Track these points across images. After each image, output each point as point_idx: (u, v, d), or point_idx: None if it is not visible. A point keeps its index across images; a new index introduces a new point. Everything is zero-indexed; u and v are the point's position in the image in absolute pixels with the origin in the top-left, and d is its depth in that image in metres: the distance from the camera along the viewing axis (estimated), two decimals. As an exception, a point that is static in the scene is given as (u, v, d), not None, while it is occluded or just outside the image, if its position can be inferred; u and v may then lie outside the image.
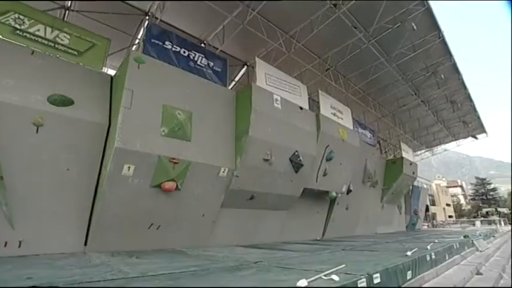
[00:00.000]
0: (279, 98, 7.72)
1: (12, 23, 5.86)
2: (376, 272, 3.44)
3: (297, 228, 9.37)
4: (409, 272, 4.13)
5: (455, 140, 21.41)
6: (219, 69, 7.71)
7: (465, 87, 14.54)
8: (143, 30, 8.41)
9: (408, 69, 12.68)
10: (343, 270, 3.49)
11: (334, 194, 9.94)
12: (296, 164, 7.93)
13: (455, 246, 6.80)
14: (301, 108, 8.36)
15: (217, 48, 9.63)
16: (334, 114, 10.07)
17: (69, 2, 7.89)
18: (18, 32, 5.90)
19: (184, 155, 6.01)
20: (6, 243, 4.86)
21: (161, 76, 6.15)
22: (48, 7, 7.33)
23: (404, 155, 15.11)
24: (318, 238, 10.37)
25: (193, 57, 7.27)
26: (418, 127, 18.86)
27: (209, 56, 7.69)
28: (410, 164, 15.26)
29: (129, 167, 5.35)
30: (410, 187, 17.37)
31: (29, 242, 5.04)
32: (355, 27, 9.63)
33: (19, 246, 4.95)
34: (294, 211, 8.91)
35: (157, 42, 6.81)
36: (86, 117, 5.62)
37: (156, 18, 8.38)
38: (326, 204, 10.58)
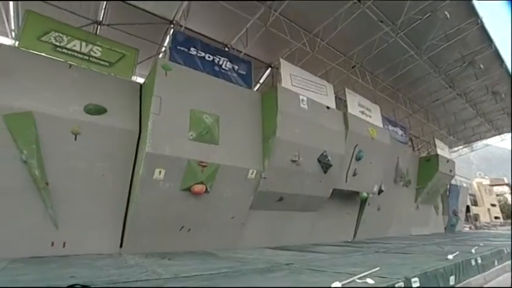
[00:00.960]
0: (305, 99, 7.63)
1: (53, 41, 6.34)
2: (414, 276, 3.27)
3: (327, 230, 9.17)
4: (452, 277, 3.89)
5: (499, 134, 19.61)
6: (244, 72, 7.77)
7: (509, 75, 13.19)
8: (169, 38, 8.68)
9: (441, 61, 11.92)
10: (377, 274, 3.37)
11: (365, 194, 9.63)
12: (324, 164, 7.78)
13: (505, 251, 6.24)
14: (328, 107, 8.21)
15: (241, 52, 9.71)
16: (363, 113, 9.77)
17: (101, 16, 8.37)
18: (58, 48, 6.36)
19: (212, 158, 6.11)
20: (52, 243, 5.22)
21: (188, 82, 6.31)
22: (82, 23, 7.83)
23: (439, 152, 14.26)
24: (349, 240, 10.08)
25: (218, 62, 7.39)
26: (454, 122, 17.66)
27: (233, 59, 7.78)
28: (447, 162, 14.38)
29: (160, 171, 5.53)
30: (448, 186, 16.33)
31: (71, 243, 5.37)
32: (381, 21, 9.29)
33: (63, 246, 5.30)
34: (323, 212, 8.74)
35: (182, 49, 7.00)
36: (118, 125, 5.91)
37: (181, 26, 8.63)
38: (357, 205, 10.27)
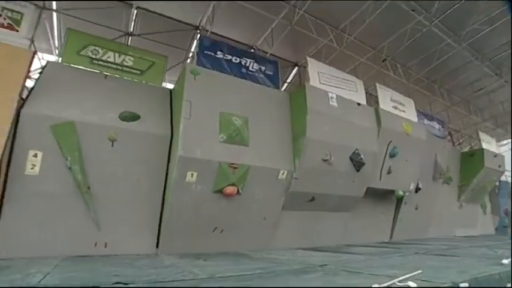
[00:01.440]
0: (334, 96, 7.46)
1: (90, 54, 6.79)
2: (464, 281, 3.03)
3: (361, 230, 8.87)
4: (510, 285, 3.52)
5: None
6: (271, 73, 7.77)
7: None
8: (196, 44, 8.91)
9: (484, 47, 10.89)
10: (419, 277, 3.19)
11: (400, 192, 9.18)
12: (357, 162, 7.54)
13: None
14: (358, 104, 7.95)
15: (267, 52, 9.71)
16: (395, 107, 9.33)
17: (132, 28, 8.79)
18: (94, 61, 6.80)
19: (243, 159, 6.16)
20: (95, 243, 5.53)
21: (216, 85, 6.42)
22: (115, 35, 8.28)
23: (484, 145, 13.11)
24: (385, 240, 9.67)
25: (245, 64, 7.47)
26: (502, 112, 16.11)
27: (260, 60, 7.81)
28: (495, 156, 13.15)
29: (192, 174, 5.67)
30: (497, 183, 14.96)
31: (111, 244, 5.64)
32: (413, 10, 8.82)
33: (105, 246, 5.58)
34: (357, 212, 8.47)
35: (209, 53, 7.16)
36: (151, 130, 6.13)
37: (207, 31, 8.81)
38: (392, 204, 9.82)
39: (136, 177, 5.93)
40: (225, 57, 7.26)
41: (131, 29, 8.78)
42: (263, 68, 7.70)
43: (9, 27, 6.36)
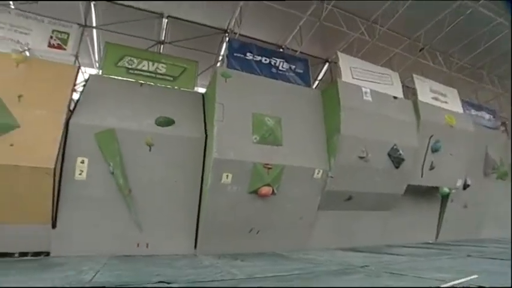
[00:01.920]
0: (368, 91, 7.20)
1: (126, 65, 7.16)
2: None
3: (403, 230, 8.40)
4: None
5: None
6: (301, 71, 7.67)
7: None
8: (225, 47, 9.05)
9: (543, 22, 9.74)
10: (476, 282, 2.93)
11: (446, 189, 8.55)
12: (395, 158, 7.18)
13: None
14: (395, 97, 7.59)
15: (296, 51, 9.57)
16: (436, 99, 8.74)
17: (163, 37, 9.14)
18: (130, 70, 7.16)
19: (277, 159, 6.15)
20: (138, 244, 5.81)
21: (247, 86, 6.49)
22: (148, 45, 8.65)
23: (545, 135, 11.78)
24: (431, 241, 9.06)
25: (275, 63, 7.45)
26: None
27: (289, 59, 7.75)
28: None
29: (227, 176, 5.76)
30: None
31: (152, 244, 5.89)
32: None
33: (146, 247, 5.84)
34: (397, 211, 8.04)
35: (239, 55, 7.24)
36: (185, 134, 6.33)
37: (235, 34, 8.91)
38: (437, 202, 9.18)
39: (173, 180, 6.15)
40: (254, 59, 7.30)
41: (163, 38, 9.13)
42: (293, 67, 7.63)
43: (59, 46, 6.96)
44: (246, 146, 5.98)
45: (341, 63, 7.62)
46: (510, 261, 4.64)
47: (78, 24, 7.46)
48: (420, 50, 10.31)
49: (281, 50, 9.63)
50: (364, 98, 7.11)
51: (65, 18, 7.19)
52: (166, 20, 8.77)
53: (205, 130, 6.49)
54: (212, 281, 3.62)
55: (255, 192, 6.05)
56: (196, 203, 6.21)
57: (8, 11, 7.01)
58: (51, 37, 6.91)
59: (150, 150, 6.05)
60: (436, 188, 8.52)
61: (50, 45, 6.90)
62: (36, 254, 5.37)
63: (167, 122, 6.29)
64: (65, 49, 7.01)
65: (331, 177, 6.67)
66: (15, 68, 5.69)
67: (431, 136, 8.00)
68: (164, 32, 8.99)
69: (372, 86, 7.46)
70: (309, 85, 7.77)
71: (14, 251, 5.26)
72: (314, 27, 9.09)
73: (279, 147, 6.28)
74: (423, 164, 7.98)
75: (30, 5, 7.28)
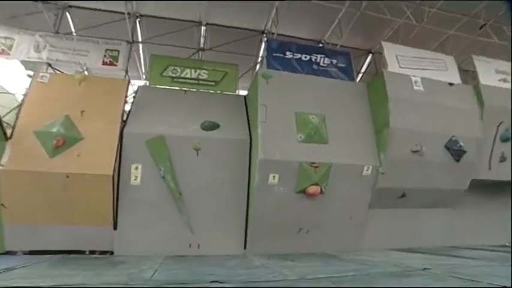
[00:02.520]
0: (418, 79, 6.70)
1: (171, 74, 7.53)
2: None
3: (470, 230, 7.55)
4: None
5: None
6: (344, 65, 7.40)
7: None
8: (263, 48, 9.07)
9: None
10: None
11: (520, 184, 7.56)
12: (455, 151, 6.54)
13: None
14: (450, 84, 6.93)
15: (337, 44, 9.25)
16: (504, 80, 7.74)
17: (202, 44, 9.45)
18: (175, 79, 7.51)
19: (323, 157, 6.01)
20: (190, 244, 6.05)
21: (289, 85, 6.43)
22: (190, 53, 9.01)
23: None
24: (507, 243, 8.01)
25: (315, 60, 7.28)
26: None
27: (330, 54, 7.52)
28: None
29: (274, 176, 5.75)
30: None
31: (204, 245, 6.09)
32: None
33: (198, 247, 6.06)
34: (462, 208, 7.31)
35: (278, 54, 7.19)
36: (230, 137, 6.45)
37: (273, 34, 8.88)
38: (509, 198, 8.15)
39: (221, 182, 6.29)
40: (294, 57, 7.20)
41: (202, 45, 9.45)
42: (335, 61, 7.39)
43: (111, 63, 7.64)
44: (291, 145, 5.94)
45: (386, 52, 7.20)
46: None
47: (126, 41, 8.05)
48: (481, 27, 9.17)
49: (321, 45, 9.38)
50: (415, 87, 6.63)
51: (115, 38, 7.87)
52: (204, 28, 9.07)
53: (250, 132, 6.57)
54: (265, 281, 3.60)
55: (303, 191, 5.96)
56: (244, 204, 6.29)
57: (71, 38, 7.88)
58: (105, 56, 7.61)
59: (197, 154, 6.28)
60: (509, 183, 7.56)
61: (104, 63, 7.60)
62: (102, 252, 5.91)
63: (212, 126, 6.48)
64: (116, 65, 7.67)
65: (382, 173, 6.32)
66: (78, 87, 6.35)
67: (501, 123, 7.13)
68: (203, 39, 9.29)
69: (423, 74, 6.92)
70: (352, 79, 7.48)
71: (84, 249, 5.88)
72: (354, 18, 8.69)
73: (325, 145, 6.13)
74: (491, 156, 7.15)
75: (88, 30, 8.09)
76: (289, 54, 7.21)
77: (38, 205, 5.55)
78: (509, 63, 8.11)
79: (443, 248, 6.78)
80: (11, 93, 8.00)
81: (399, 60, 7.11)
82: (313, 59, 7.31)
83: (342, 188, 6.18)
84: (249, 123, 6.73)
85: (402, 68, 6.98)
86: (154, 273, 3.96)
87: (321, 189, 5.99)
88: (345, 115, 6.54)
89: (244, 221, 6.29)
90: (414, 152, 6.28)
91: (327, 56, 7.41)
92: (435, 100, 6.60)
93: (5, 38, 7.32)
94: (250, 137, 6.45)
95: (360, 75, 10.87)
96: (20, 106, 6.29)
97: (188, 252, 5.93)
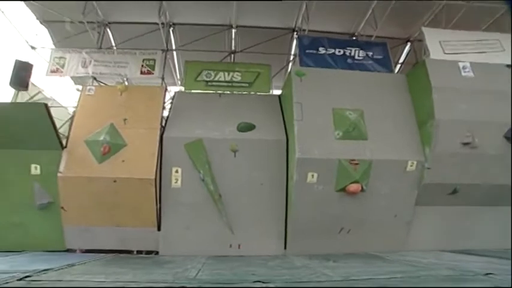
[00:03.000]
0: (467, 65, 6.15)
1: (205, 78, 7.74)
2: None
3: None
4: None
5: None
6: (380, 56, 7.08)
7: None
8: (295, 45, 8.95)
9: None
10: None
11: None
12: (517, 141, 5.90)
13: None
14: (508, 66, 6.27)
15: (372, 36, 8.85)
16: None
17: (234, 46, 9.55)
18: (209, 83, 7.71)
19: (363, 154, 5.79)
20: (230, 245, 6.14)
21: (324, 82, 6.29)
22: (222, 56, 9.16)
23: None
24: None
25: (350, 54, 7.05)
26: None
27: (365, 46, 7.24)
28: None
29: (312, 175, 5.65)
30: None
31: (244, 245, 6.14)
32: None
33: (239, 247, 6.13)
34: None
35: (311, 51, 7.07)
36: (267, 137, 6.45)
37: (304, 30, 8.72)
38: None
39: (260, 182, 6.31)
40: (327, 52, 7.04)
41: (234, 48, 9.56)
42: (370, 54, 7.09)
43: (148, 72, 8.07)
44: (328, 143, 5.80)
45: (427, 39, 6.74)
46: None
47: (161, 50, 8.41)
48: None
49: (354, 38, 9.03)
50: (463, 73, 6.10)
51: (151, 47, 8.27)
52: (235, 30, 9.17)
53: (286, 131, 6.53)
54: (308, 281, 3.53)
55: (343, 189, 5.78)
56: (283, 204, 6.25)
57: (112, 51, 8.45)
58: (142, 65, 8.05)
59: (235, 156, 6.37)
60: None
61: (142, 72, 8.04)
62: (148, 252, 6.22)
63: (248, 127, 6.54)
64: (153, 73, 8.07)
65: (428, 168, 5.91)
66: (119, 97, 6.77)
67: None
68: (234, 41, 9.40)
69: (472, 58, 6.36)
70: (390, 70, 7.13)
71: (132, 249, 6.23)
72: (389, 6, 8.23)
73: (364, 141, 5.90)
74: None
75: (126, 43, 8.60)
76: (322, 50, 7.06)
77: (90, 208, 6.01)
78: None
79: (503, 250, 6.13)
80: (64, 107, 8.73)
81: (443, 45, 6.62)
82: (347, 53, 7.09)
83: (384, 185, 5.91)
84: (284, 123, 6.69)
85: (447, 53, 6.48)
86: (198, 272, 4.07)
87: (362, 186, 5.77)
88: (384, 109, 6.25)
89: (283, 221, 6.25)
90: (465, 144, 5.78)
91: (361, 49, 7.14)
92: (488, 86, 6.02)
93: (59, 57, 8.11)
94: (287, 136, 6.41)
95: (399, 66, 10.27)
96: (72, 118, 6.88)
97: (229, 252, 6.02)
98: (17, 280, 3.26)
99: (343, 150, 5.79)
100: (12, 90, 7.51)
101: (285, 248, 6.20)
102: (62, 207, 6.04)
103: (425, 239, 6.32)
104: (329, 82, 6.32)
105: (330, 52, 7.05)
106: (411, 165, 5.89)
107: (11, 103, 7.15)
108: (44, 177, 5.44)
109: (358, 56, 7.10)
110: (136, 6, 8.20)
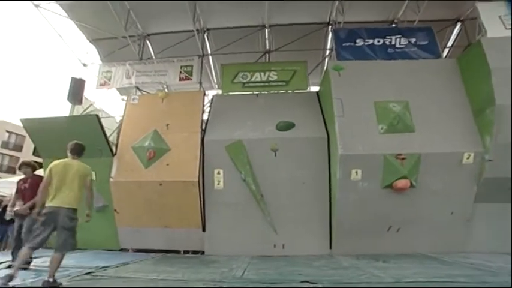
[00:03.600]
0: (532, 39, 5.43)
1: (241, 80, 7.83)
2: None
3: None
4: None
5: None
6: (425, 42, 6.60)
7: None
8: (331, 40, 8.66)
9: None
10: None
11: None
12: None
13: None
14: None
15: (414, 21, 8.21)
16: None
17: (268, 46, 9.50)
18: (245, 84, 7.78)
19: (411, 148, 5.43)
20: (274, 245, 6.12)
21: (364, 75, 6.03)
22: (257, 57, 9.17)
23: None
24: None
25: (390, 42, 6.67)
26: None
27: (407, 33, 6.79)
28: None
29: (356, 172, 5.42)
30: None
31: (288, 245, 6.08)
32: None
33: (283, 247, 6.08)
34: None
35: (348, 44, 6.83)
36: (306, 135, 6.35)
37: (339, 23, 8.41)
38: None
39: (301, 181, 6.22)
40: (365, 43, 6.73)
41: (268, 47, 9.52)
42: (413, 40, 6.64)
43: (186, 78, 8.37)
44: (372, 137, 5.52)
45: (482, 15, 6.15)
46: None
47: (198, 55, 8.67)
48: None
49: (394, 25, 8.49)
50: (527, 50, 5.38)
51: (187, 54, 8.56)
52: (268, 30, 9.14)
53: (326, 128, 6.37)
54: (358, 282, 3.38)
55: (390, 186, 5.46)
56: (327, 203, 6.09)
57: (152, 61, 8.91)
58: (180, 72, 8.37)
59: (275, 155, 6.34)
60: None
61: (180, 79, 8.36)
62: (194, 252, 6.44)
63: (287, 126, 6.48)
64: (191, 79, 8.35)
65: (489, 160, 5.34)
66: (161, 103, 7.10)
67: None
68: (268, 41, 9.37)
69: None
70: (438, 56, 6.59)
71: (179, 249, 6.48)
72: (433, -15, 7.56)
73: (411, 133, 5.53)
74: None
75: (164, 52, 9.01)
76: (359, 42, 6.77)
77: (140, 210, 6.38)
78: None
79: None
80: (112, 117, 9.40)
81: (504, 20, 5.95)
82: (387, 42, 6.72)
83: (436, 180, 5.48)
84: (324, 119, 6.54)
85: (509, 29, 5.80)
86: (244, 272, 4.11)
87: (411, 182, 5.41)
88: (432, 98, 5.80)
89: (328, 219, 6.09)
90: (532, 131, 5.10)
91: (403, 36, 6.72)
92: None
93: (106, 71, 8.78)
94: (327, 133, 6.25)
95: (447, 50, 9.43)
96: (119, 126, 7.36)
97: (273, 252, 5.99)
98: (84, 274, 3.88)
99: (388, 144, 5.47)
100: (69, 105, 8.34)
101: (330, 247, 6.03)
102: (115, 210, 6.49)
103: (489, 240, 5.62)
104: (369, 74, 6.04)
105: (369, 43, 6.72)
106: (467, 158, 5.38)
107: (69, 116, 7.86)
108: (99, 182, 5.89)
109: (400, 44, 6.67)
110: (172, 16, 8.55)
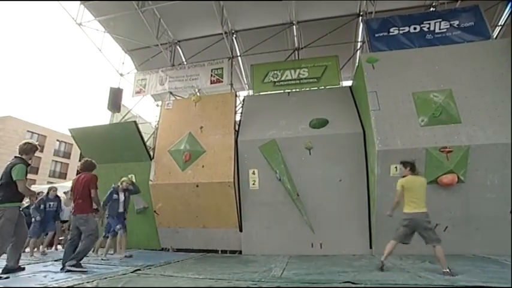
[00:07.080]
0: None
1: (272, 79, 7.80)
2: None
3: None
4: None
5: None
6: (471, 23, 6.08)
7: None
8: (362, 31, 8.30)
9: None
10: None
11: None
12: None
13: None
14: None
15: (456, 1, 7.59)
16: None
17: (297, 43, 9.34)
18: (276, 83, 7.74)
19: (457, 140, 5.05)
20: (312, 244, 6.01)
21: (400, 65, 5.73)
22: (286, 55, 9.07)
23: None
24: None
25: (429, 28, 6.23)
26: None
27: (448, 16, 6.29)
28: None
29: (395, 167, 5.13)
30: None
31: (326, 244, 5.95)
32: None
33: (320, 247, 5.97)
34: None
35: (381, 34, 6.52)
36: (341, 131, 6.17)
37: (370, 13, 8.03)
38: None
39: (338, 179, 6.06)
40: (400, 32, 6.37)
41: (297, 44, 9.38)
42: (456, 23, 6.14)
43: (217, 81, 8.50)
44: (412, 131, 5.22)
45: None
46: None
47: (227, 58, 8.77)
48: None
49: (433, 9, 7.91)
50: None
51: (218, 57, 8.69)
52: (296, 27, 9.00)
53: (361, 123, 6.15)
54: (404, 284, 3.18)
55: (435, 182, 5.11)
56: (366, 201, 5.88)
57: (184, 67, 9.18)
58: (211, 75, 8.52)
59: (310, 153, 6.24)
60: None
61: (212, 82, 8.51)
62: (232, 252, 6.51)
63: (321, 123, 6.36)
64: (222, 81, 8.47)
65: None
66: (194, 107, 7.29)
67: None
68: (297, 38, 9.23)
69: None
70: (488, 37, 6.03)
71: (217, 248, 6.61)
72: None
73: (456, 124, 5.12)
74: None
75: (195, 56, 9.24)
76: (393, 31, 6.42)
77: (178, 212, 6.61)
78: None
79: None
80: (148, 122, 9.83)
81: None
82: (425, 28, 6.29)
83: (490, 174, 5.03)
84: (359, 114, 6.32)
85: None
86: (283, 271, 4.06)
87: (458, 177, 5.03)
88: (480, 85, 5.33)
89: (367, 218, 5.87)
90: None
91: (443, 20, 6.23)
92: None
93: (141, 79, 9.20)
94: (363, 129, 6.02)
95: (497, 29, 8.54)
96: (155, 131, 7.67)
97: (310, 251, 5.90)
98: (131, 272, 4.10)
99: (430, 137, 5.14)
100: (109, 113, 8.87)
101: (370, 247, 5.79)
102: (155, 211, 6.77)
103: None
104: (406, 64, 5.72)
105: (404, 31, 6.35)
106: (525, 148, 4.83)
107: (110, 124, 8.36)
108: (139, 185, 6.20)
109: (440, 28, 6.20)
110: (200, 21, 8.74)
